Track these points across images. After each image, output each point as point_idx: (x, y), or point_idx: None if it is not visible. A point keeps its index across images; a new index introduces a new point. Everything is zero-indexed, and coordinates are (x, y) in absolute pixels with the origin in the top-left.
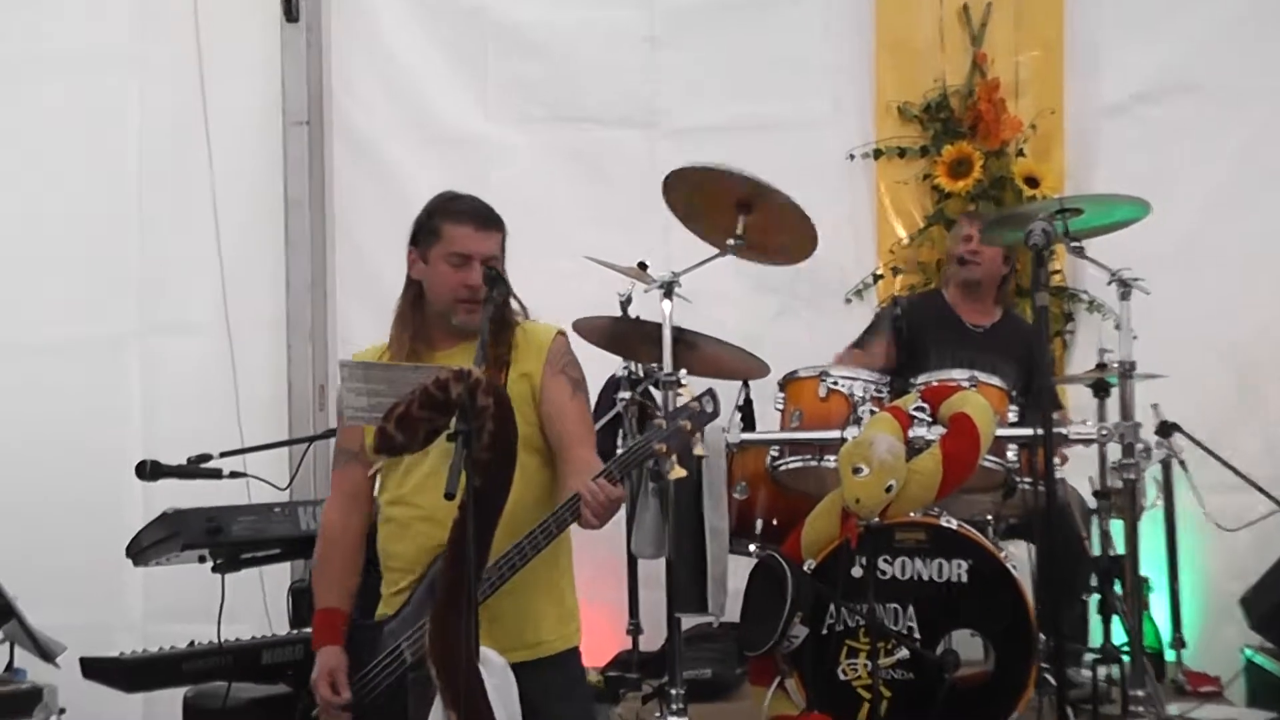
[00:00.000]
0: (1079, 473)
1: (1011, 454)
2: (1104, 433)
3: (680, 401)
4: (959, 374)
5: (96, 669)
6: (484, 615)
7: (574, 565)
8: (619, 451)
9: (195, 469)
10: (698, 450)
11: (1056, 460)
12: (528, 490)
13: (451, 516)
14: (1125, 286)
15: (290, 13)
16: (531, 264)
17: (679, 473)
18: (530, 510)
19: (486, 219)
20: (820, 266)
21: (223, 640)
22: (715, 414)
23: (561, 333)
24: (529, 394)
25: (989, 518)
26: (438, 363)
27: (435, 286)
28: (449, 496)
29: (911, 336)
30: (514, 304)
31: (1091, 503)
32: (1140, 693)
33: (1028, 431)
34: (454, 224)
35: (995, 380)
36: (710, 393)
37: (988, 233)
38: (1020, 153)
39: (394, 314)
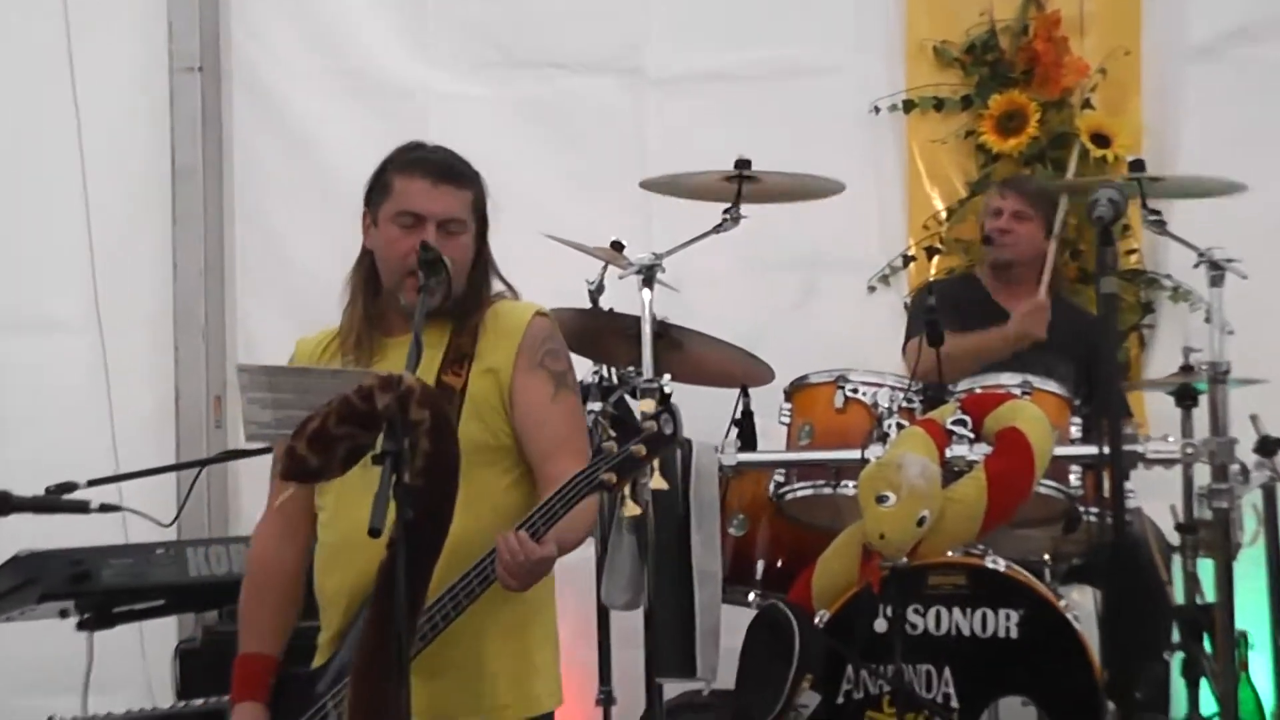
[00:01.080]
0: (1158, 501)
1: (1074, 478)
2: (1190, 451)
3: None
4: (1008, 378)
5: None
6: (421, 670)
7: (550, 607)
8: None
9: (56, 501)
10: (654, 483)
11: (1129, 486)
12: (494, 519)
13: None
14: (1217, 269)
15: None
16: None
17: (632, 510)
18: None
19: (445, 171)
20: (837, 246)
21: (90, 717)
22: (674, 438)
23: (542, 313)
24: (496, 394)
25: (1046, 557)
26: (392, 353)
27: (382, 255)
28: (373, 533)
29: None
30: (496, 281)
31: (1174, 539)
32: None
33: (1095, 450)
34: (405, 175)
35: (1054, 386)
36: (667, 409)
37: (1028, 201)
38: (1087, 104)
39: (345, 291)
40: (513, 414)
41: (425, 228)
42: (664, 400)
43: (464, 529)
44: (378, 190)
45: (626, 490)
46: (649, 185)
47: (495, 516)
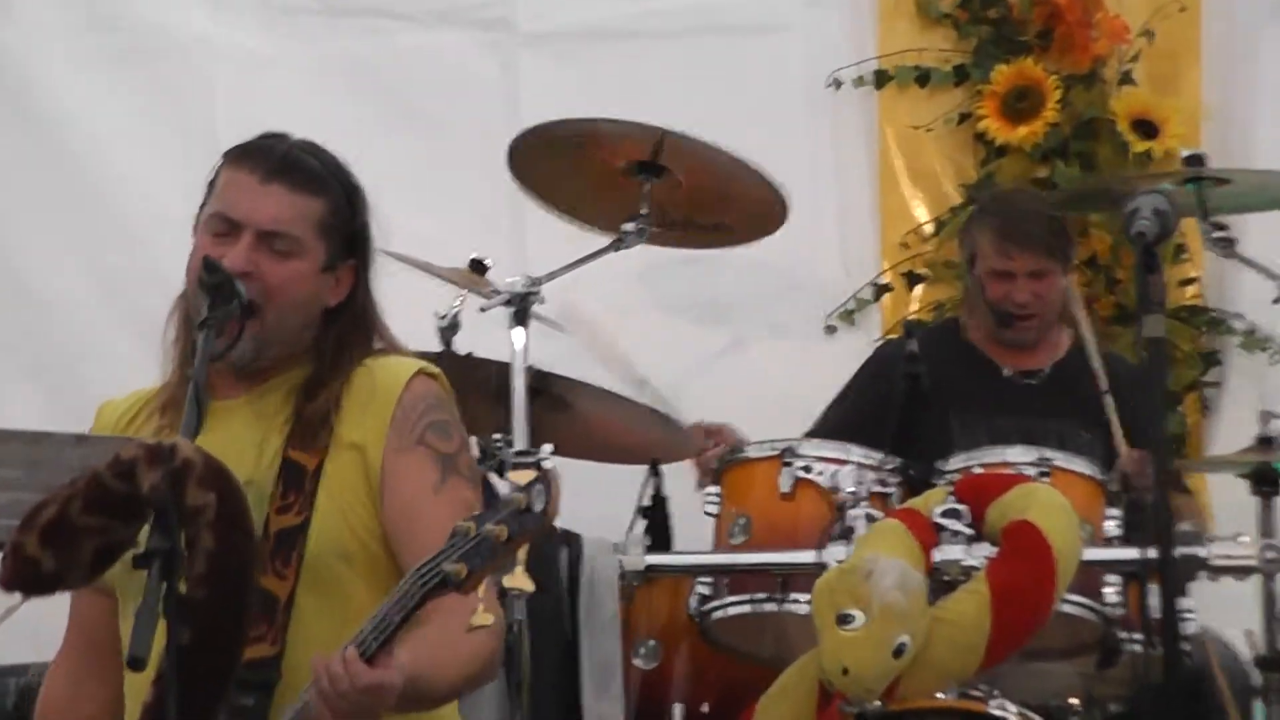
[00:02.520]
0: (1232, 621)
1: (1111, 592)
2: (1271, 556)
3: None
4: (1019, 454)
5: None
6: None
7: None
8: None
9: None
10: (512, 581)
11: (1188, 604)
12: (345, 637)
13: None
14: None
15: None
16: None
17: (484, 619)
18: None
19: (283, 165)
20: (783, 271)
21: None
22: (547, 515)
23: (426, 372)
24: (361, 480)
25: (1074, 702)
26: (225, 420)
27: (187, 274)
28: (134, 664)
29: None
30: (364, 329)
31: (1255, 676)
32: None
33: (1139, 553)
34: (232, 167)
35: (1082, 465)
36: (544, 479)
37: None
38: (1126, 78)
39: (167, 329)
40: (383, 510)
41: (238, 238)
42: (540, 472)
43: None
44: (210, 185)
45: (481, 591)
46: (522, 174)
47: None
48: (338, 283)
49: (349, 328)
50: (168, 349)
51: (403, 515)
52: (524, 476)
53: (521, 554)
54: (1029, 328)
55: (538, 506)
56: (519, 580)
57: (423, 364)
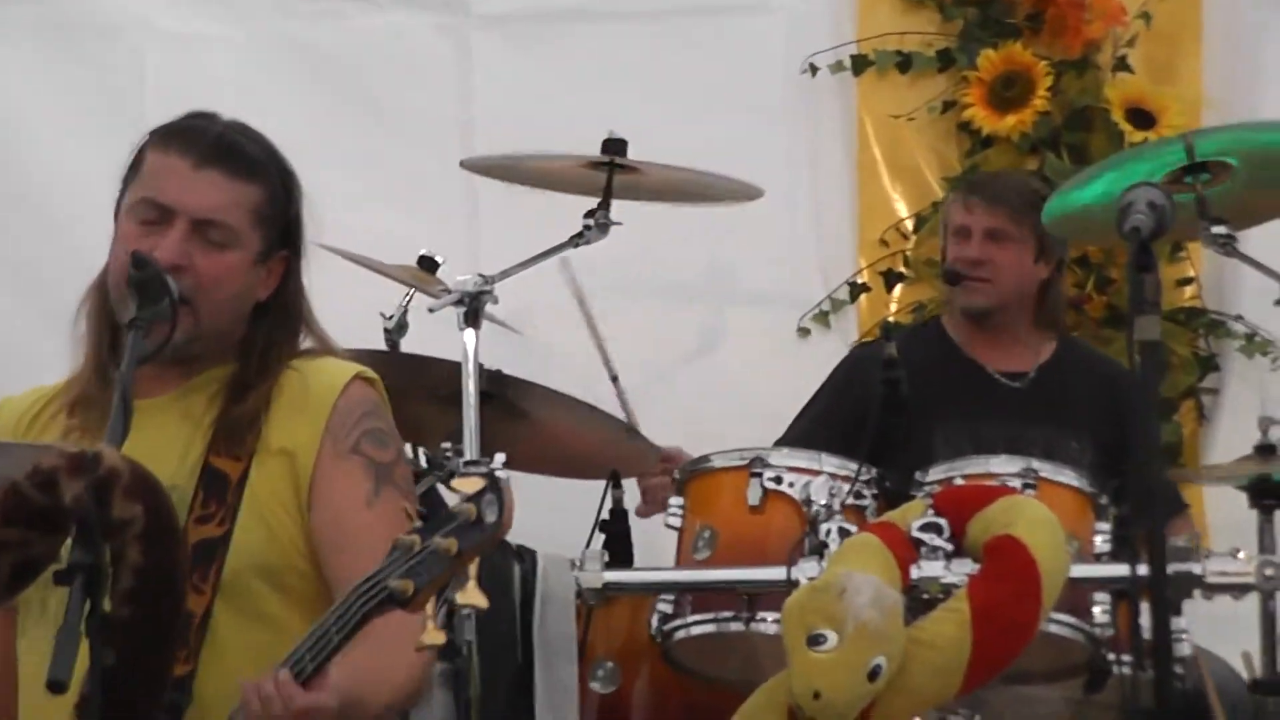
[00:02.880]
0: (1226, 645)
1: (1100, 611)
2: (1270, 573)
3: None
4: (1003, 464)
5: None
6: None
7: None
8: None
9: None
10: (464, 597)
11: (1181, 624)
12: (263, 659)
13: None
14: None
15: None
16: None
17: (435, 638)
18: None
19: (217, 150)
20: (754, 269)
21: None
22: (500, 526)
23: (363, 376)
24: (289, 489)
25: None
26: (146, 422)
27: (110, 262)
28: (55, 687)
29: (913, 399)
30: (296, 344)
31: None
32: None
33: (1129, 570)
34: (160, 150)
35: (1069, 475)
36: (495, 488)
37: (1009, 212)
38: (1122, 64)
39: (78, 322)
40: (312, 520)
41: (170, 227)
42: (491, 479)
43: (237, 690)
44: (131, 168)
45: (429, 609)
46: (474, 167)
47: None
48: (269, 275)
49: (279, 323)
50: (77, 341)
51: (332, 526)
52: (472, 485)
53: (472, 568)
54: (977, 289)
55: (490, 518)
56: (471, 596)
57: (359, 368)
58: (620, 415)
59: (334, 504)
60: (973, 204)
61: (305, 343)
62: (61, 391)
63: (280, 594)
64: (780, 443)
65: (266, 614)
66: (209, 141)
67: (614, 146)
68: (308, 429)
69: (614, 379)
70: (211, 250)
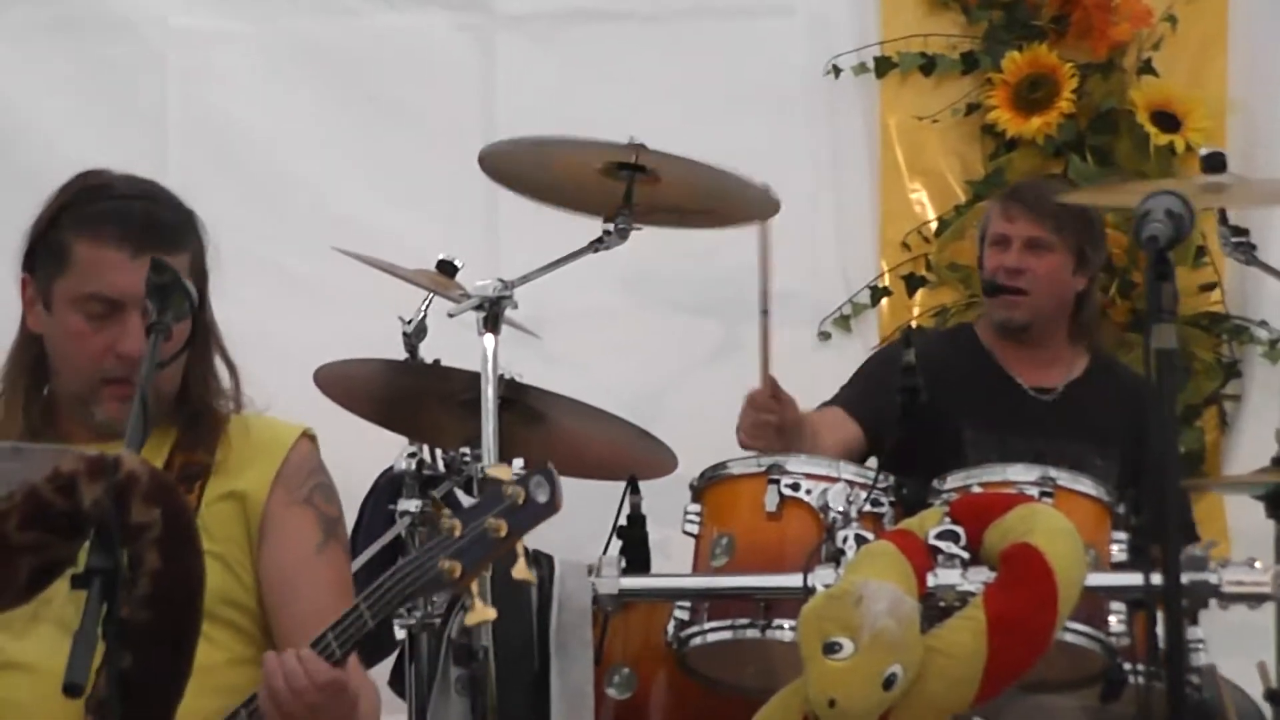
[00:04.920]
0: (1241, 657)
1: (1116, 620)
2: None
3: (488, 484)
4: (1020, 472)
5: None
6: None
7: None
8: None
9: None
10: (520, 572)
11: (1197, 634)
12: (216, 701)
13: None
14: None
15: None
16: (239, 264)
17: (485, 615)
18: None
19: (149, 231)
20: (775, 272)
21: None
22: (552, 506)
23: (310, 435)
24: (240, 528)
25: None
26: None
27: (64, 353)
28: (71, 690)
29: (933, 405)
30: (220, 375)
31: (1268, 713)
32: None
33: (1146, 580)
34: (90, 241)
35: (1087, 484)
36: (544, 470)
37: (1050, 222)
38: (1147, 67)
39: None
40: (259, 563)
41: (125, 316)
42: (541, 465)
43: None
44: (46, 254)
45: (474, 588)
46: (496, 173)
47: (212, 698)
48: (196, 321)
49: (203, 357)
50: (6, 405)
51: (284, 571)
52: (504, 471)
53: (520, 548)
54: (1017, 304)
55: (541, 498)
56: (521, 572)
57: (304, 426)
58: (640, 421)
59: (286, 550)
60: (1014, 213)
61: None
62: None
63: (220, 626)
64: (831, 403)
65: (210, 648)
66: (138, 226)
67: (635, 150)
68: (258, 475)
69: (764, 312)
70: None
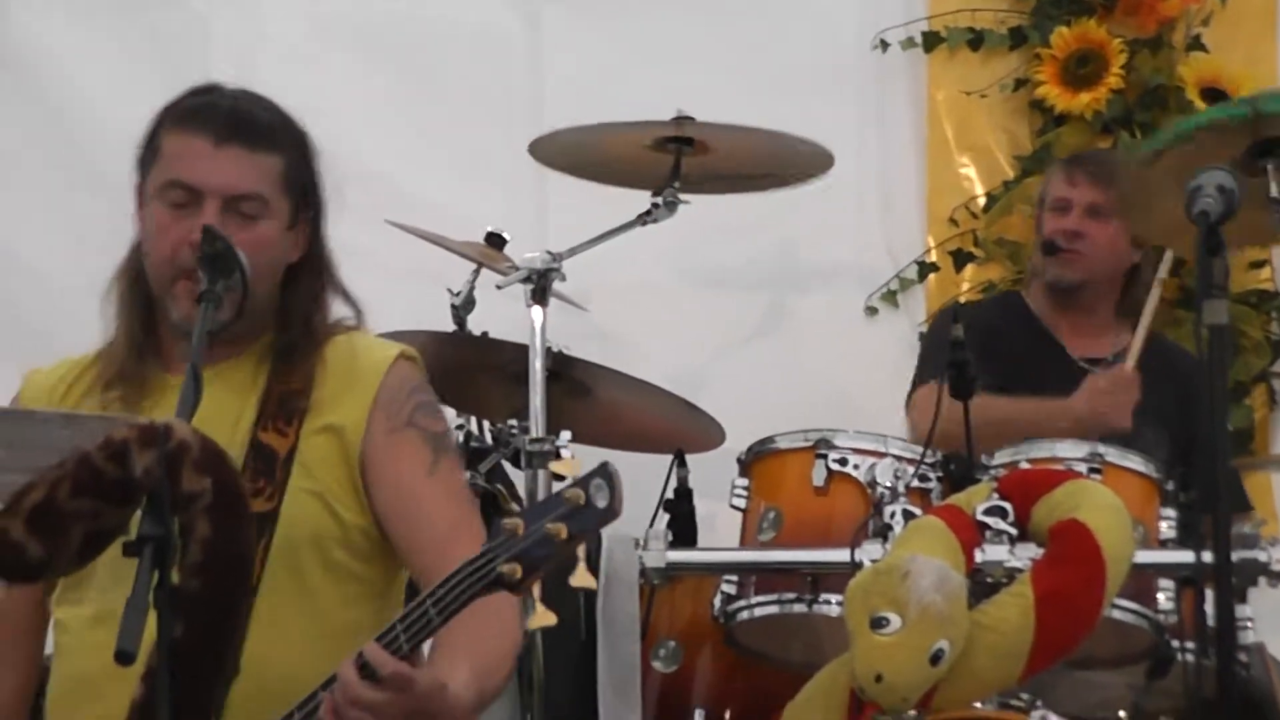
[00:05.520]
0: None
1: (1165, 598)
2: None
3: (551, 485)
4: (1069, 448)
5: None
6: None
7: None
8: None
9: None
10: (578, 579)
11: (1245, 612)
12: (328, 646)
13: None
14: None
15: None
16: None
17: (545, 619)
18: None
19: (235, 124)
20: (821, 247)
21: None
22: (612, 511)
23: (409, 356)
24: (340, 462)
25: (1122, 714)
26: (174, 397)
27: (148, 250)
28: (123, 658)
29: (984, 374)
30: (329, 300)
31: None
32: None
33: (1195, 557)
34: (179, 131)
35: (1136, 461)
36: (605, 472)
37: (1111, 190)
38: (1196, 43)
39: (109, 299)
40: (373, 495)
41: (203, 207)
42: (602, 467)
43: (283, 661)
44: (148, 151)
45: (535, 592)
46: (542, 151)
47: (330, 642)
48: (297, 238)
49: (310, 283)
50: (110, 318)
51: (397, 500)
52: (567, 467)
53: (580, 551)
54: (1071, 263)
55: (601, 502)
56: (582, 578)
57: (402, 346)
58: (688, 394)
59: (396, 477)
60: (1076, 178)
61: (333, 297)
62: (92, 365)
63: (327, 568)
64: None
65: (313, 587)
66: (225, 117)
67: (682, 122)
68: (355, 406)
69: None
70: (246, 224)
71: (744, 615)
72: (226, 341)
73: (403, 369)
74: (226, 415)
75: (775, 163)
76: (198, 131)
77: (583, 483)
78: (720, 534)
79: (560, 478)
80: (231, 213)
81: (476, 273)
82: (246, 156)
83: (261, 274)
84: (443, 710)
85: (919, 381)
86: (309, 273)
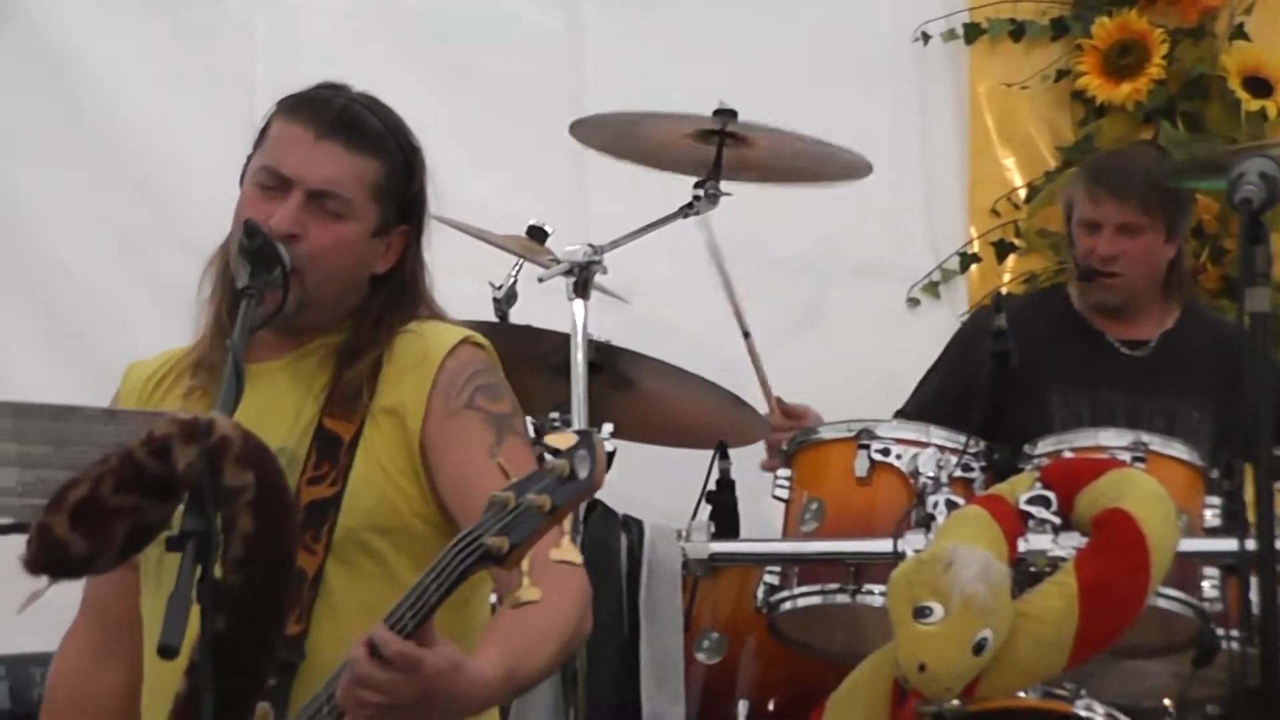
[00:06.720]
0: None
1: (1210, 586)
2: None
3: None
4: (1113, 436)
5: None
6: None
7: None
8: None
9: None
10: (559, 553)
11: None
12: (377, 615)
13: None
14: None
15: None
16: None
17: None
18: None
19: (340, 122)
20: (862, 239)
21: None
22: (590, 481)
23: (471, 340)
24: (402, 447)
25: (1167, 703)
26: (263, 386)
27: (232, 227)
28: (166, 652)
29: (1024, 369)
30: (410, 317)
31: None
32: None
33: (1240, 545)
34: (285, 118)
35: (1180, 449)
36: (588, 442)
37: (1139, 205)
38: (1239, 32)
39: (203, 284)
40: (435, 478)
41: (287, 196)
42: (583, 434)
43: (347, 646)
44: (260, 134)
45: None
46: (584, 138)
47: None
48: (388, 249)
49: (395, 296)
50: (202, 304)
51: (457, 483)
52: (563, 440)
53: (567, 524)
54: (1112, 287)
55: (582, 473)
56: (566, 552)
57: (469, 332)
58: (731, 386)
59: (457, 459)
60: (1100, 198)
61: (422, 313)
62: (187, 354)
63: (389, 551)
64: (898, 415)
65: (379, 572)
66: (333, 113)
67: (724, 115)
68: (414, 389)
69: (746, 335)
70: (326, 221)
71: (787, 606)
72: (294, 332)
73: (465, 353)
74: (290, 404)
75: (815, 163)
76: (303, 122)
77: (568, 454)
78: (763, 525)
79: (556, 451)
80: (314, 207)
81: (518, 266)
82: (343, 155)
83: (330, 274)
84: (459, 689)
85: (916, 392)
86: (393, 287)
